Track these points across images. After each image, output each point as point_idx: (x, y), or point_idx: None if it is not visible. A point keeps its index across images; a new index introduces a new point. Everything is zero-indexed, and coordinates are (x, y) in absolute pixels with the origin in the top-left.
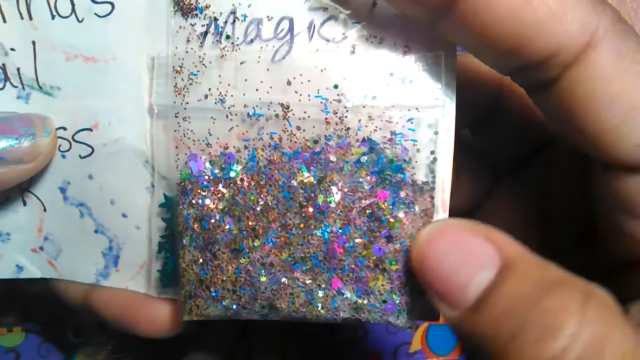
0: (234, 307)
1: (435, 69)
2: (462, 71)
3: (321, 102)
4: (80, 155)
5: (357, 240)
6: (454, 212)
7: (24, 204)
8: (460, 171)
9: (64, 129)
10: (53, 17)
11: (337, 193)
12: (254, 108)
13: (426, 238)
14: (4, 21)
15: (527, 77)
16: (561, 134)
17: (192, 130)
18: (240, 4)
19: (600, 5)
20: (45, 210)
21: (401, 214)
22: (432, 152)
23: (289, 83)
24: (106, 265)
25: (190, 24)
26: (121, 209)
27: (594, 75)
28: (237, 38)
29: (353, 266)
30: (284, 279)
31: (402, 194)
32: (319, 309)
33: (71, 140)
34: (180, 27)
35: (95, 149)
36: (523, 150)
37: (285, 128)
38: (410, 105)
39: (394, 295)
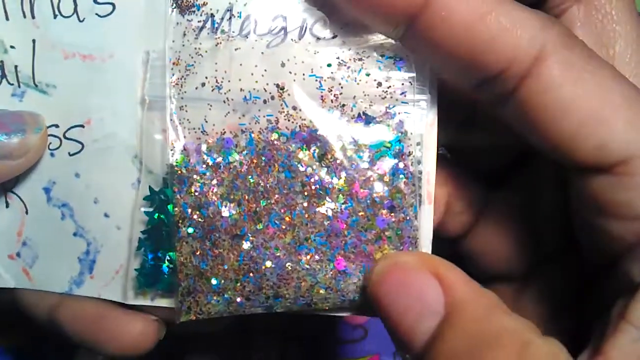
0: (237, 299)
1: (418, 64)
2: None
3: (316, 80)
4: (69, 153)
5: (360, 214)
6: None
7: (7, 206)
8: (454, 191)
9: (56, 126)
10: (55, 16)
11: (338, 168)
12: (250, 92)
13: (376, 280)
14: (7, 19)
15: (488, 91)
16: (529, 144)
17: (188, 119)
18: (236, 1)
19: (549, 21)
20: (27, 212)
21: (401, 184)
22: (418, 144)
23: (283, 65)
24: (81, 271)
25: (187, 20)
26: (104, 208)
27: (547, 86)
28: (233, 32)
29: (356, 240)
30: (288, 263)
31: (401, 164)
32: (324, 291)
33: (62, 138)
34: (178, 23)
35: (85, 146)
36: (507, 160)
37: (282, 109)
38: (403, 78)
39: None
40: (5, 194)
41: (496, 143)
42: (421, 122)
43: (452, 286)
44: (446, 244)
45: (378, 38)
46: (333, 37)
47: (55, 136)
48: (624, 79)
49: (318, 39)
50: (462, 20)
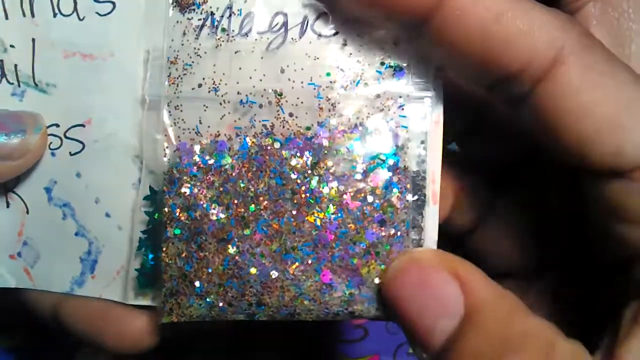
0: (220, 304)
1: (423, 61)
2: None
3: (314, 89)
4: (70, 153)
5: (350, 226)
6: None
7: (7, 206)
8: (463, 187)
9: (57, 125)
10: (55, 15)
11: (330, 178)
12: (247, 95)
13: (392, 276)
14: (6, 18)
15: (502, 92)
16: (543, 146)
17: (183, 119)
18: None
19: (568, 22)
20: (28, 212)
21: (394, 199)
22: (423, 142)
23: (282, 71)
24: (82, 271)
25: (187, 18)
26: (105, 208)
27: (564, 89)
28: (233, 30)
29: (343, 254)
30: (273, 271)
31: (395, 178)
32: (308, 302)
33: (63, 138)
34: (177, 21)
35: (86, 145)
36: (515, 159)
37: (278, 115)
38: (401, 92)
39: None
40: (6, 194)
41: (504, 143)
42: (425, 120)
43: (471, 286)
44: (448, 244)
45: (380, 35)
46: (334, 34)
47: (56, 136)
48: None
49: (319, 36)
50: (476, 21)
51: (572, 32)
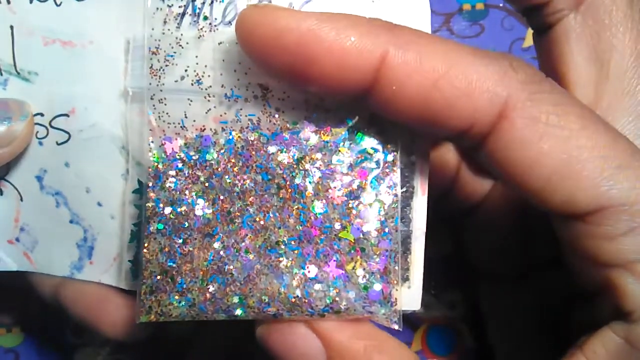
0: (201, 301)
1: None
2: None
3: None
4: (57, 142)
5: (335, 221)
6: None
7: (1, 193)
8: (461, 173)
9: (41, 115)
10: (31, 1)
11: (315, 173)
12: (232, 89)
13: (261, 337)
14: None
15: (456, 143)
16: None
17: (167, 113)
18: None
19: (510, 71)
20: (21, 199)
21: (382, 194)
22: (411, 133)
23: None
24: (80, 257)
25: (168, 5)
26: (96, 198)
27: (510, 143)
28: (215, 19)
29: (328, 249)
30: (257, 266)
31: (383, 173)
32: (292, 299)
33: (48, 127)
34: (158, 8)
35: (71, 135)
36: None
37: (265, 109)
38: None
39: (374, 282)
40: None
41: None
42: None
43: (328, 336)
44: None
45: None
46: None
47: (41, 125)
48: (594, 123)
49: None
50: (414, 92)
51: (515, 80)
